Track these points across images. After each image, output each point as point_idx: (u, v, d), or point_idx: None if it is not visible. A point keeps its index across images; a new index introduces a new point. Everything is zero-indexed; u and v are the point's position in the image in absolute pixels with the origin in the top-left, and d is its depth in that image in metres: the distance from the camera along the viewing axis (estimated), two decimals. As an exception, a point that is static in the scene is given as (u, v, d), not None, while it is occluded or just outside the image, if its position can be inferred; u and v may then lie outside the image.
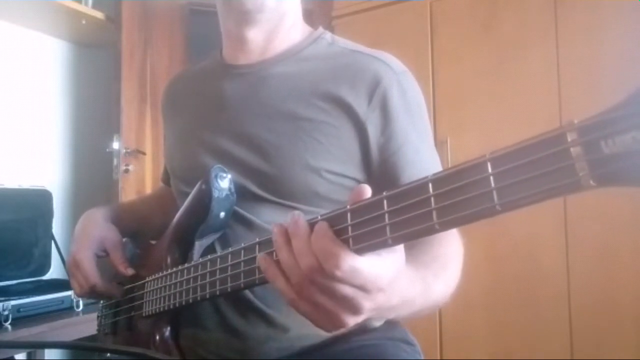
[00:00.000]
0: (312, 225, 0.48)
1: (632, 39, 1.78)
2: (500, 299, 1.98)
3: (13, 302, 1.55)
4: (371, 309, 0.47)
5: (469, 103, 2.08)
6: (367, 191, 0.46)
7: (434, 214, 0.38)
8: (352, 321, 0.48)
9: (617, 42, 1.81)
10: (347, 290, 0.45)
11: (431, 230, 0.39)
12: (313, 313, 0.49)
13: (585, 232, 1.84)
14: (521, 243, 1.94)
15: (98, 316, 0.96)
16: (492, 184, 0.35)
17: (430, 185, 0.39)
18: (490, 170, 0.35)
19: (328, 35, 0.84)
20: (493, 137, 1.95)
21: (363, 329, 0.76)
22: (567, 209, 1.87)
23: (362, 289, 0.45)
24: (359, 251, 0.44)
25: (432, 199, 0.39)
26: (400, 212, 0.41)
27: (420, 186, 0.40)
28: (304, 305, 0.49)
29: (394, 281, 0.47)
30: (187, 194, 0.78)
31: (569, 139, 0.31)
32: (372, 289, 0.45)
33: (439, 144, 2.05)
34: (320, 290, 0.46)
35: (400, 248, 0.46)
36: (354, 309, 0.47)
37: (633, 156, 0.29)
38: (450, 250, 0.66)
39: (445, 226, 0.38)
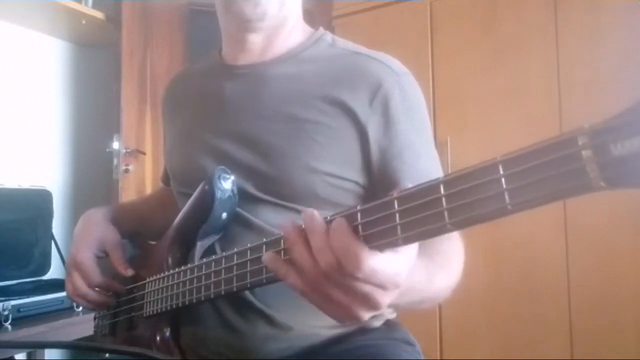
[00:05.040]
0: (328, 222, 0.47)
1: (632, 39, 1.78)
2: (500, 298, 1.98)
3: (13, 302, 1.55)
4: (388, 304, 0.48)
5: (469, 103, 2.08)
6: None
7: (446, 214, 0.40)
8: (367, 316, 0.48)
9: (617, 42, 1.81)
10: (365, 288, 0.46)
11: (443, 230, 0.40)
12: (326, 305, 0.49)
13: (585, 230, 1.84)
14: (521, 242, 1.94)
15: (95, 317, 0.95)
16: (504, 185, 0.36)
17: (441, 186, 0.40)
18: (501, 171, 0.36)
19: (329, 36, 0.84)
20: (493, 137, 1.95)
21: (363, 329, 0.76)
22: (567, 208, 1.87)
23: (381, 287, 0.46)
24: (372, 249, 0.44)
25: (444, 199, 0.40)
26: (413, 212, 0.42)
27: (431, 187, 0.41)
28: (317, 298, 0.49)
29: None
30: (186, 195, 0.78)
31: (580, 142, 0.33)
32: (390, 287, 0.46)
33: (439, 144, 2.05)
34: (336, 285, 0.46)
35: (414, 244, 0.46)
36: (372, 305, 0.47)
37: (642, 159, 0.30)
38: (452, 248, 0.67)
39: (457, 225, 0.39)
